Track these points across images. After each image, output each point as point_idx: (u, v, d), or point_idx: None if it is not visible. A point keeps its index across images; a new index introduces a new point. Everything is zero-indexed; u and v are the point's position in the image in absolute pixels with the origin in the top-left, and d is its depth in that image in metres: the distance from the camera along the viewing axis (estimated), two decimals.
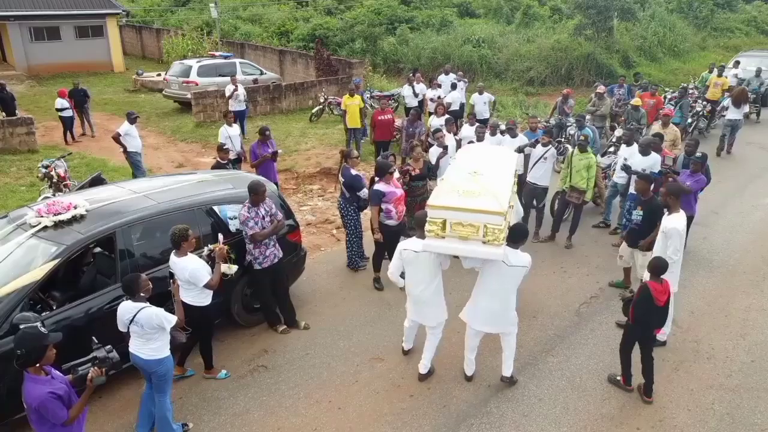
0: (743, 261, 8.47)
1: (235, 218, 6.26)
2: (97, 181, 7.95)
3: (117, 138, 10.64)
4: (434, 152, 8.97)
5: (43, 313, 5.13)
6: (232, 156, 9.03)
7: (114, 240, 5.47)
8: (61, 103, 14.99)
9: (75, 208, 5.55)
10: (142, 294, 4.66)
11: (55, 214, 5.44)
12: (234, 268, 5.98)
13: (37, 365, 3.73)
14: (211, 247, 5.63)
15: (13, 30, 24.79)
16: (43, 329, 4.00)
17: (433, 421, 5.23)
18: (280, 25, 28.86)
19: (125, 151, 10.74)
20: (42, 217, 5.44)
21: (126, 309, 4.67)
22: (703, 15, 30.11)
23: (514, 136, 9.44)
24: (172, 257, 5.31)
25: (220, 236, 5.72)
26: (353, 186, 7.62)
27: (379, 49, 24.67)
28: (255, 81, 19.05)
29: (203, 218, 6.13)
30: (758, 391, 5.65)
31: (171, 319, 4.71)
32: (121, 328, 4.72)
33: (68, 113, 15.15)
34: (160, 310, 4.67)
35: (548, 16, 27.43)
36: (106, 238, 5.48)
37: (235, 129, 10.59)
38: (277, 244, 6.35)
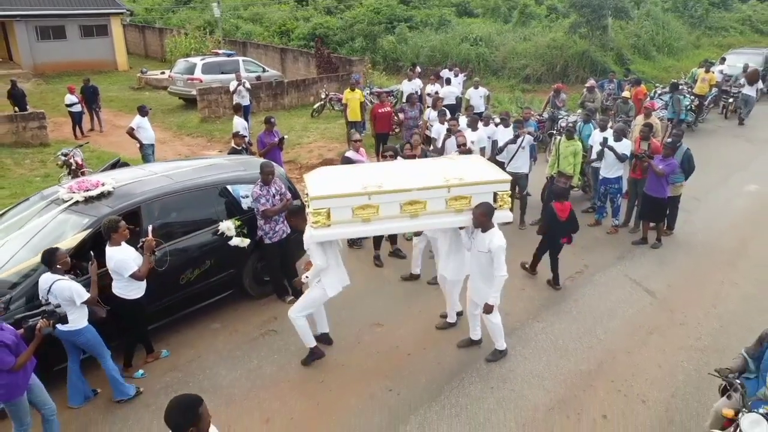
0: (721, 242, 9.01)
1: (247, 197, 6.84)
2: (117, 166, 8.51)
3: (131, 132, 11.17)
4: (441, 130, 9.67)
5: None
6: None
7: (139, 213, 6.02)
8: (70, 98, 15.53)
9: (103, 185, 6.11)
10: (59, 266, 4.95)
11: (85, 191, 6.00)
12: (247, 241, 6.62)
13: None
14: (143, 239, 5.69)
15: (19, 29, 25.29)
16: None
17: (429, 376, 5.79)
18: (281, 25, 29.40)
19: (141, 145, 11.24)
20: (74, 193, 6.00)
21: (44, 280, 4.96)
22: (698, 14, 30.68)
23: (507, 126, 9.98)
24: (106, 247, 5.43)
25: (150, 228, 5.71)
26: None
27: (378, 48, 25.20)
28: (258, 78, 19.60)
29: (218, 196, 6.71)
30: (724, 351, 6.19)
31: (82, 294, 4.96)
32: (42, 298, 4.95)
33: (77, 108, 15.69)
34: (74, 284, 4.94)
35: (545, 15, 28.00)
36: (132, 211, 6.02)
37: (242, 121, 11.20)
38: (285, 221, 6.90)
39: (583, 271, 7.99)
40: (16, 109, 15.71)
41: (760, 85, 16.53)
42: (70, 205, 5.94)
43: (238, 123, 10.91)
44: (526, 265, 7.88)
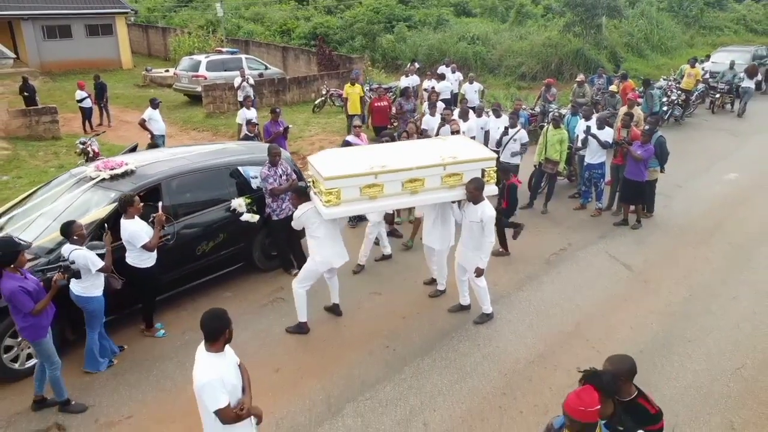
0: (697, 224, 9.62)
1: (257, 177, 7.47)
2: (134, 150, 9.15)
3: (143, 123, 11.86)
4: (431, 122, 10.40)
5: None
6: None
7: (160, 189, 6.64)
8: (80, 94, 16.16)
9: (126, 165, 6.74)
10: (75, 237, 5.46)
11: (111, 169, 6.63)
12: (256, 217, 7.25)
13: (12, 266, 4.83)
14: (153, 214, 6.19)
15: (26, 28, 25.88)
16: (18, 239, 5.30)
17: (422, 336, 6.42)
18: (282, 24, 30.06)
19: (152, 136, 11.90)
20: (101, 171, 6.62)
21: (65, 249, 5.50)
22: (693, 14, 31.33)
23: (498, 116, 10.62)
24: (121, 220, 5.98)
25: (160, 204, 6.28)
26: None
27: (377, 46, 25.83)
28: (260, 75, 20.22)
29: (230, 176, 7.36)
30: (690, 316, 6.83)
31: (97, 263, 5.45)
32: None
33: (87, 104, 16.32)
34: (90, 254, 5.44)
35: (541, 14, 28.64)
36: (153, 188, 6.64)
37: (253, 112, 11.86)
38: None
39: (567, 249, 8.61)
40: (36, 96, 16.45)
41: (759, 77, 18.10)
42: (98, 182, 6.56)
43: (241, 115, 11.57)
44: (500, 250, 8.34)
